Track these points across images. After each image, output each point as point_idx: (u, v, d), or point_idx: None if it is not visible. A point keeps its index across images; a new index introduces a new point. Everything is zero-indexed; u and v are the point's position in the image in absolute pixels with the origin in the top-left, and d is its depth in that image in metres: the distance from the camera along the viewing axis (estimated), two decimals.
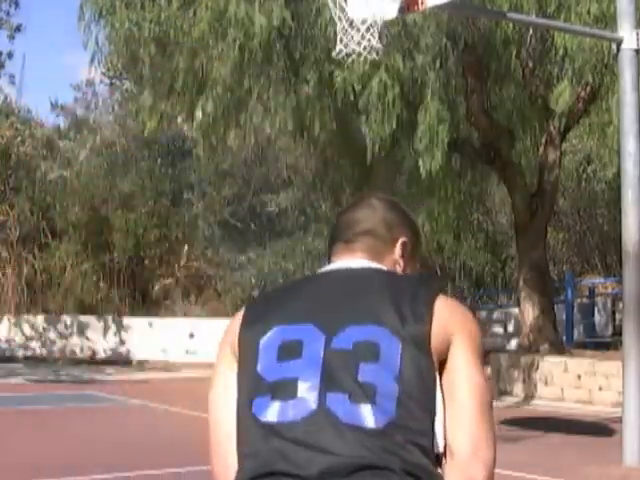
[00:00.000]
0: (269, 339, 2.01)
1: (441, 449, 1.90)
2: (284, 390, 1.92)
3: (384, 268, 2.18)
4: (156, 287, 28.10)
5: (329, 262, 2.23)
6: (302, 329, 2.00)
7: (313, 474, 1.80)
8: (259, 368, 1.99)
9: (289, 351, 1.98)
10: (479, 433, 1.90)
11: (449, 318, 2.05)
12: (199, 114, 13.58)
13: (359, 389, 1.87)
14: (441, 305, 2.07)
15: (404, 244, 2.25)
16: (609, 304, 21.82)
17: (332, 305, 2.03)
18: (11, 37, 23.28)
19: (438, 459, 1.91)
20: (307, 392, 1.90)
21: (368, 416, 1.84)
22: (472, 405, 1.92)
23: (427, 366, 1.93)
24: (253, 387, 1.99)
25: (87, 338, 24.53)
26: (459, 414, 1.91)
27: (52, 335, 24.44)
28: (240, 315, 2.12)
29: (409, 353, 1.92)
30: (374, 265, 2.16)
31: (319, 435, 1.84)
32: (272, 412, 1.92)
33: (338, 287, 2.10)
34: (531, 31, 13.86)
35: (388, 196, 2.48)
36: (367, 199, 2.32)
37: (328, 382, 1.90)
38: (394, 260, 2.23)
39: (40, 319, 24.63)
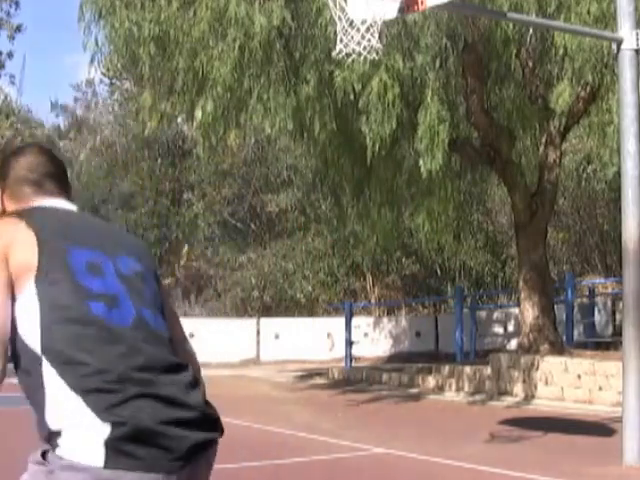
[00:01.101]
0: (74, 256, 2.50)
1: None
2: (111, 301, 2.46)
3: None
4: None
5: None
6: (94, 253, 2.55)
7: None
8: (78, 279, 2.46)
9: (94, 269, 2.50)
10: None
11: None
12: (199, 114, 13.59)
13: (150, 303, 2.57)
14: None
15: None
16: (609, 304, 21.80)
17: (102, 236, 2.66)
18: (11, 37, 23.31)
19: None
20: (125, 302, 2.49)
21: (161, 322, 2.57)
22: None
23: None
24: (83, 294, 2.44)
25: None
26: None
27: None
28: (16, 229, 2.50)
29: (154, 280, 2.70)
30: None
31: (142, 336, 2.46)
32: (114, 317, 2.44)
33: (95, 223, 2.80)
34: (531, 31, 13.86)
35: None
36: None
37: (135, 296, 2.53)
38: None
39: None
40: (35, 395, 2.57)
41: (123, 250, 2.65)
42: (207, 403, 2.67)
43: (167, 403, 2.41)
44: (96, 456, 2.29)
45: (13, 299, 2.42)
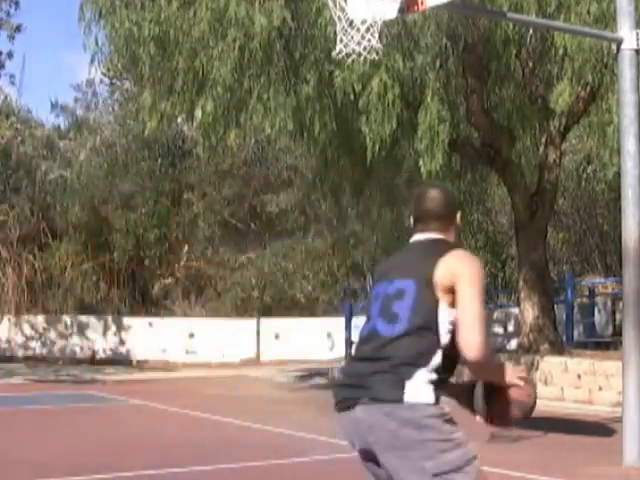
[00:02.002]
0: (373, 293, 3.84)
1: (445, 342, 3.48)
2: (368, 320, 3.73)
3: (436, 237, 3.84)
4: (156, 287, 28.14)
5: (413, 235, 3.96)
6: (381, 285, 3.77)
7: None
8: (370, 311, 3.75)
9: (374, 299, 3.75)
10: (470, 325, 3.43)
11: (454, 263, 3.59)
12: (199, 114, 13.59)
13: (391, 316, 3.58)
14: (452, 255, 3.63)
15: (461, 215, 3.98)
16: (609, 304, 21.80)
17: (395, 266, 3.83)
18: (11, 37, 23.27)
19: (445, 348, 3.48)
20: (372, 319, 3.69)
21: (391, 330, 3.56)
22: (467, 311, 3.46)
23: (429, 296, 3.54)
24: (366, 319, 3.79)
25: (87, 338, 24.55)
26: (460, 317, 3.45)
27: (52, 335, 24.46)
28: None
29: (420, 290, 3.56)
30: (434, 236, 3.84)
31: (370, 342, 3.63)
32: (361, 330, 3.76)
33: (403, 253, 3.96)
34: (531, 31, 13.86)
35: (437, 184, 4.72)
36: (428, 193, 3.99)
37: (381, 314, 3.64)
38: (455, 227, 3.92)
39: (40, 319, 24.65)
40: None
41: (399, 275, 3.71)
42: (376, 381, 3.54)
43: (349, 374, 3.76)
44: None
45: None
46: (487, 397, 3.66)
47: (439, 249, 3.68)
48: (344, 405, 3.58)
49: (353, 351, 3.78)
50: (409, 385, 3.42)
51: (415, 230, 3.94)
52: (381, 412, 3.43)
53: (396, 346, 3.49)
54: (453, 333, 3.46)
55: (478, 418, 3.75)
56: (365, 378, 3.52)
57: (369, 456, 3.61)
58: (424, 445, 3.40)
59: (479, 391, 3.67)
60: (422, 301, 3.52)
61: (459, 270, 3.53)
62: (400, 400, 3.41)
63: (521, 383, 3.67)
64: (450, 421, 3.47)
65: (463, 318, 3.43)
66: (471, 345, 3.38)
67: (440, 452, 3.41)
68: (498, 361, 3.76)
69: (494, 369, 3.62)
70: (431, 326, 3.48)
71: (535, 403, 3.70)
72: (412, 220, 4.03)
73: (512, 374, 3.63)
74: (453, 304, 3.49)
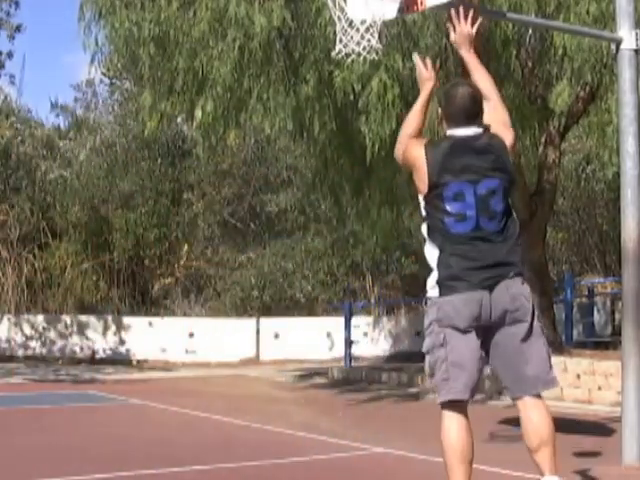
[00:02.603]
0: (447, 190, 4.66)
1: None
2: (460, 217, 4.62)
3: (484, 130, 4.91)
4: (156, 287, 28.16)
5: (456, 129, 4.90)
6: (461, 184, 4.62)
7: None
8: (446, 206, 4.67)
9: (458, 197, 4.61)
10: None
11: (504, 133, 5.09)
12: (199, 114, 13.59)
13: (493, 213, 4.64)
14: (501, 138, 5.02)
15: None
16: (608, 304, 21.84)
17: (473, 167, 4.71)
18: (11, 37, 23.27)
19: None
20: (471, 218, 4.60)
21: (495, 226, 4.67)
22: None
23: (508, 185, 4.91)
24: (443, 213, 4.67)
25: (87, 338, 24.57)
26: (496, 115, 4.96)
27: (52, 335, 24.47)
28: (421, 153, 4.94)
29: (504, 183, 4.82)
30: (480, 130, 4.87)
31: (478, 238, 4.64)
32: (459, 228, 4.61)
33: (475, 150, 4.76)
34: (530, 31, 13.87)
35: (466, 82, 5.33)
36: (469, 92, 5.05)
37: (481, 212, 4.60)
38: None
39: (40, 319, 24.66)
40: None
41: (485, 174, 4.63)
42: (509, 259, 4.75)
43: (474, 261, 4.63)
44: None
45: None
46: None
47: (500, 141, 4.92)
48: (485, 284, 4.60)
49: (449, 248, 4.70)
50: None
51: (457, 124, 4.87)
52: (519, 286, 4.68)
53: (505, 237, 4.71)
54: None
55: None
56: (505, 259, 4.67)
57: (482, 330, 4.71)
58: (531, 307, 4.78)
59: None
60: (507, 195, 4.87)
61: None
62: (524, 280, 4.77)
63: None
64: None
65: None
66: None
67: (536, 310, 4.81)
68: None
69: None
70: (513, 216, 4.94)
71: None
72: (450, 116, 4.95)
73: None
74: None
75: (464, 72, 15.24)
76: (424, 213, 4.88)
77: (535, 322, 4.73)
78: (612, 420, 11.00)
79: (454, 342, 4.65)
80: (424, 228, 4.89)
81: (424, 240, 4.91)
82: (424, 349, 4.84)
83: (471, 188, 4.64)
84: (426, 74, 5.37)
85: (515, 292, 4.66)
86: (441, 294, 4.68)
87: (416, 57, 5.36)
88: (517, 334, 4.71)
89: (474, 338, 4.67)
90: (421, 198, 4.92)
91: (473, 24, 5.76)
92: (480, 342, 4.72)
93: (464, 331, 4.64)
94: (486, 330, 4.72)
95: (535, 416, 4.95)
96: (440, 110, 5.06)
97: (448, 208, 4.67)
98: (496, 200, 4.68)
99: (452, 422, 4.80)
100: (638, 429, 8.46)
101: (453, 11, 5.56)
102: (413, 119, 5.25)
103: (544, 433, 4.89)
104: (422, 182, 4.86)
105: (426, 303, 4.88)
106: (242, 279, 27.35)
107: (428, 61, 5.34)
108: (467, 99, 4.87)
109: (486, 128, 4.85)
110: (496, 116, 5.05)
